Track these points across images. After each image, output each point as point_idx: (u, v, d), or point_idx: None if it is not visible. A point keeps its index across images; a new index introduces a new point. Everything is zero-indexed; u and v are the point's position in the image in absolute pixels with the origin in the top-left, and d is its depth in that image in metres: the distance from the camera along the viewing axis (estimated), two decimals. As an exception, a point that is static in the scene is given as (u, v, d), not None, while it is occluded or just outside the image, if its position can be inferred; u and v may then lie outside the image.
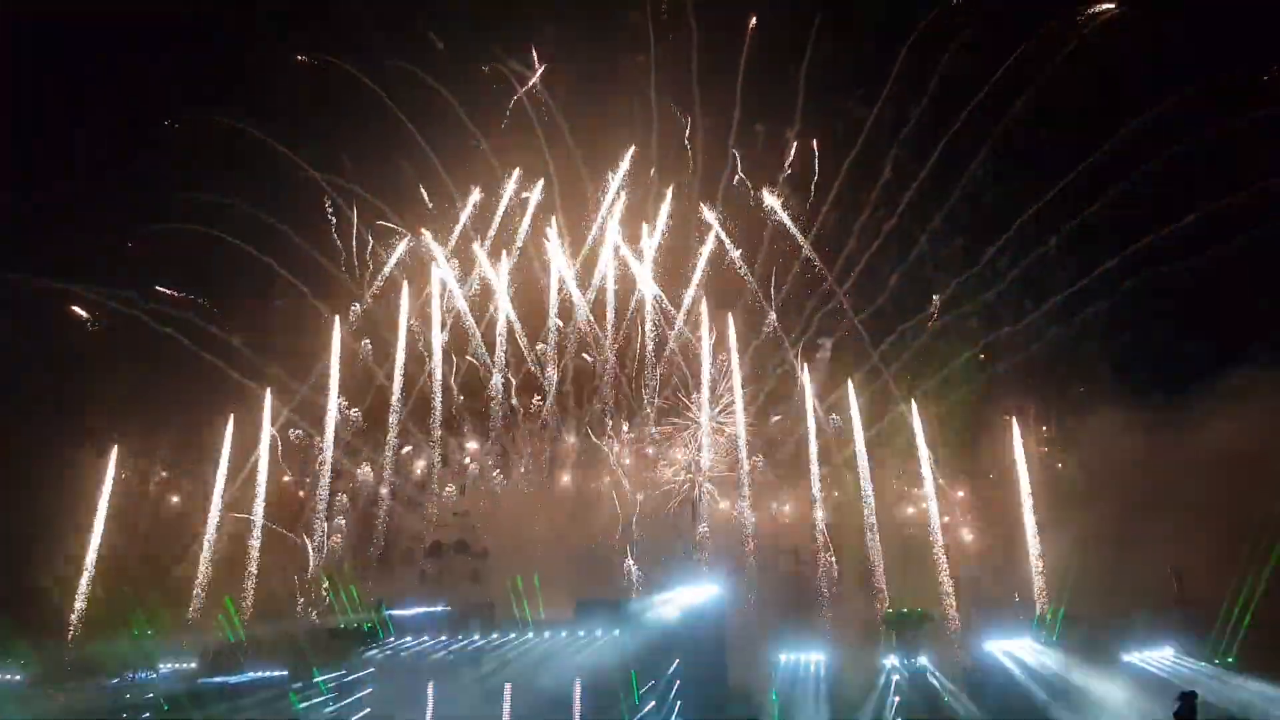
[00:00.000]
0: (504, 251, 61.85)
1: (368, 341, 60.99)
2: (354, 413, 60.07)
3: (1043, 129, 53.95)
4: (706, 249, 60.08)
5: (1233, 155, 49.94)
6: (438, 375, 60.40)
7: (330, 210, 60.84)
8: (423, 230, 61.07)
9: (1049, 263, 54.91)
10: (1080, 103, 53.40)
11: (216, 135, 57.03)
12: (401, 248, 61.41)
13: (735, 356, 58.89)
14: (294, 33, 58.04)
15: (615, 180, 60.41)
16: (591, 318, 60.86)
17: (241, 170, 58.44)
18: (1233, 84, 49.91)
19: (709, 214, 60.15)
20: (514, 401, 60.36)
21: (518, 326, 61.12)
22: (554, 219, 61.12)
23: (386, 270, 61.45)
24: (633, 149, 60.10)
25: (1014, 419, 56.24)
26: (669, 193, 60.13)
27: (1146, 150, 51.48)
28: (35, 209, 55.14)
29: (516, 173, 61.29)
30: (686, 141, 59.97)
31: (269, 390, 59.22)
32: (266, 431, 58.97)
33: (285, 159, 59.09)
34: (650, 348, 59.98)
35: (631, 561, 56.11)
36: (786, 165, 59.27)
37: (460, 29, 59.15)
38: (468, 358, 60.86)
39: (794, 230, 59.25)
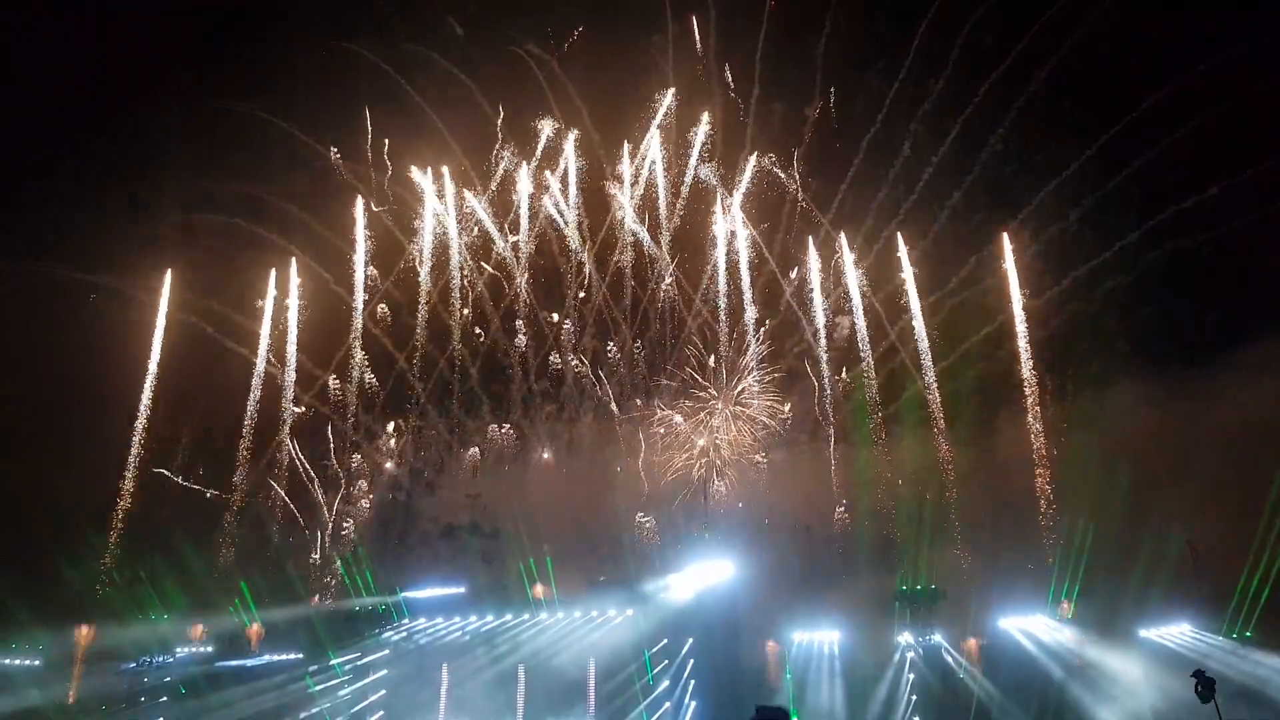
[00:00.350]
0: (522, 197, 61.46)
1: (384, 307, 60.81)
2: (370, 377, 59.94)
3: (1063, 102, 53.32)
4: (728, 223, 59.59)
5: (1255, 128, 49.26)
6: (459, 300, 60.38)
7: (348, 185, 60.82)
8: (413, 170, 60.63)
9: (1069, 237, 54.49)
10: (1101, 76, 52.68)
11: (234, 124, 57.16)
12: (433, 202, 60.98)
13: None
14: (311, 21, 57.66)
15: (655, 119, 59.95)
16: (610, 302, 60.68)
17: (259, 158, 58.67)
18: (1254, 57, 49.10)
19: (714, 178, 59.66)
20: (532, 385, 60.30)
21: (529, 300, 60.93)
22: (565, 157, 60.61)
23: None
24: (672, 91, 59.49)
25: (1005, 235, 56.03)
26: (702, 117, 59.38)
27: (1168, 122, 50.87)
28: (46, 200, 54.93)
29: (549, 123, 60.89)
30: (708, 113, 59.46)
31: (291, 370, 59.19)
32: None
33: (304, 146, 59.36)
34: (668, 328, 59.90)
35: (643, 515, 56.10)
36: (805, 140, 58.82)
37: (478, 14, 59.39)
38: (481, 339, 60.63)
39: (791, 195, 58.86)
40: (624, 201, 60.21)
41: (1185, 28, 50.67)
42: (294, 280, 60.02)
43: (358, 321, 59.88)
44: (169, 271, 59.01)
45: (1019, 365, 55.22)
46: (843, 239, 58.33)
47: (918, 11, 55.45)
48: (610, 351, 59.85)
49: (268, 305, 59.50)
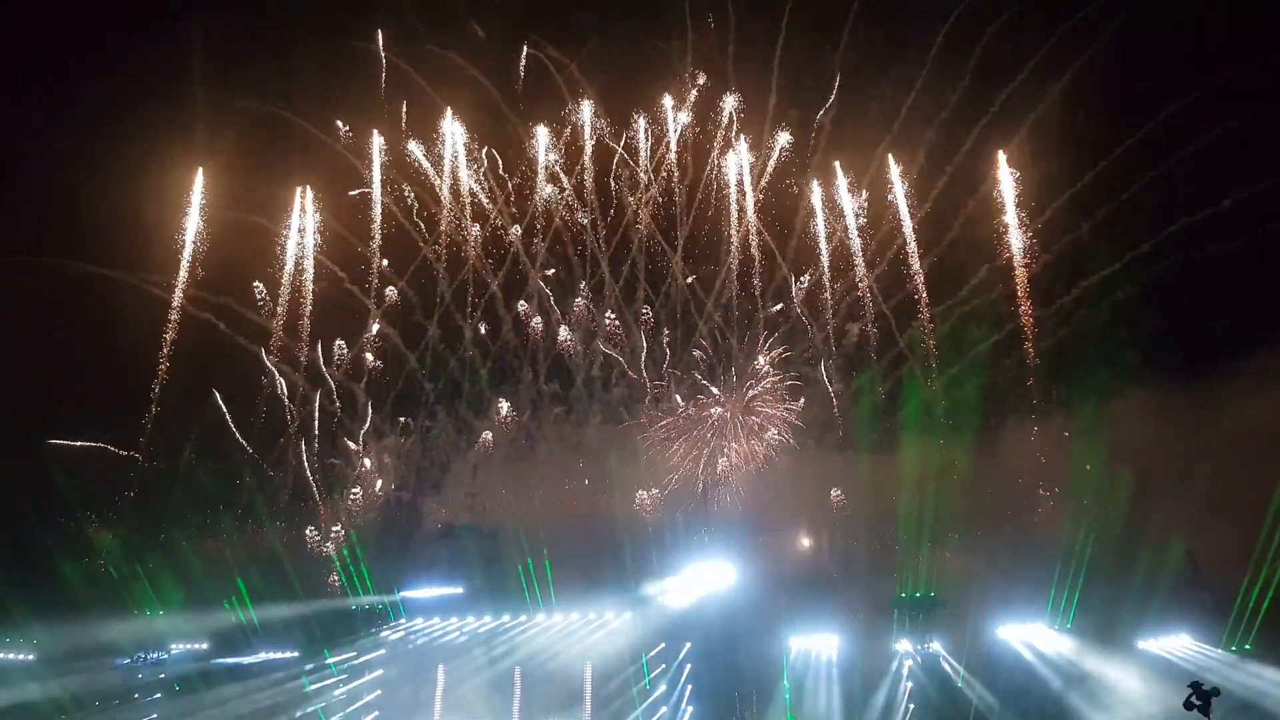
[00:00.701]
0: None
1: (392, 289, 60.68)
2: (374, 362, 59.79)
3: (1078, 113, 53.29)
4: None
5: (1271, 140, 49.24)
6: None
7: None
8: (407, 138, 60.31)
9: (1082, 246, 54.45)
10: (1117, 87, 52.71)
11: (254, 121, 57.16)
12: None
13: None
14: (331, 20, 57.66)
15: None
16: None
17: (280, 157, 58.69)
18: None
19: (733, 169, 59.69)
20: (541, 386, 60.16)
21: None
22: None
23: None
24: (703, 77, 59.23)
25: (1000, 153, 55.69)
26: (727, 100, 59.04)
27: (1184, 134, 50.93)
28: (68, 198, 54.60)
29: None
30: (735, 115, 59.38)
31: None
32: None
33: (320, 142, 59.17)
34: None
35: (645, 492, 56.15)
36: (820, 145, 58.74)
37: (499, 17, 58.90)
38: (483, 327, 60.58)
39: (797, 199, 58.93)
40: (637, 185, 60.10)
41: (1204, 39, 50.58)
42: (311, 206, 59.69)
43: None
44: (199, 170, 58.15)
45: (1023, 373, 55.37)
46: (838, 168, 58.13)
47: (936, 20, 55.26)
48: (611, 321, 59.58)
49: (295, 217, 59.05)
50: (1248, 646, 44.80)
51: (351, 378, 59.36)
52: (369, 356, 59.73)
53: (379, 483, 58.70)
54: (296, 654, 49.20)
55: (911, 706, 47.22)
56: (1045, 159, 54.76)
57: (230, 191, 58.02)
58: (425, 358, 59.90)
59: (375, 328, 59.75)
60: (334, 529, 56.74)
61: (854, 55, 56.86)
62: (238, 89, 56.79)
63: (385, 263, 60.27)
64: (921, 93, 55.90)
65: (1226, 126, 49.45)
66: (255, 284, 58.71)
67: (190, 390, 56.94)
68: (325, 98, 59.07)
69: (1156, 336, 52.42)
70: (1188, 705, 26.35)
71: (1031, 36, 53.56)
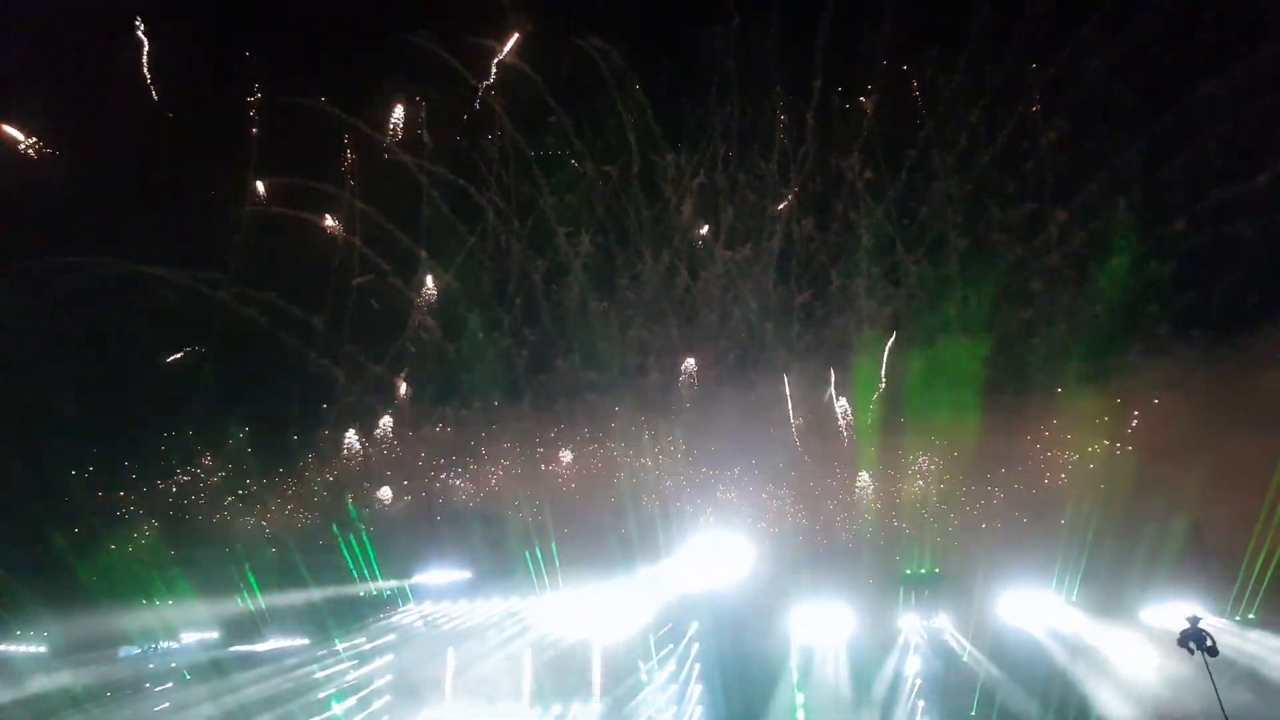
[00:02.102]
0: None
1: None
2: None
3: (1115, 88, 52.90)
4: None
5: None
6: None
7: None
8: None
9: (1116, 225, 54.17)
10: (1156, 61, 52.27)
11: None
12: None
13: None
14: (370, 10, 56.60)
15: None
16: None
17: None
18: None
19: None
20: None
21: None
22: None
23: None
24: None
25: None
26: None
27: (1221, 110, 50.44)
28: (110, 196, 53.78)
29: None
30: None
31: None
32: None
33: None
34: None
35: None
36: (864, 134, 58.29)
37: (542, 8, 58.19)
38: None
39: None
40: None
41: (1241, 13, 49.89)
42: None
43: None
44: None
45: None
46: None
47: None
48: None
49: None
50: (1251, 615, 45.17)
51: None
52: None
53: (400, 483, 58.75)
54: (307, 641, 49.46)
55: (919, 681, 47.60)
56: (1082, 139, 54.58)
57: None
58: (462, 348, 59.59)
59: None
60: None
61: (898, 39, 56.27)
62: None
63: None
64: (965, 75, 55.61)
65: (1261, 103, 49.12)
66: None
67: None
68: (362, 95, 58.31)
69: (1178, 312, 52.56)
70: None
71: (1070, 14, 53.14)
